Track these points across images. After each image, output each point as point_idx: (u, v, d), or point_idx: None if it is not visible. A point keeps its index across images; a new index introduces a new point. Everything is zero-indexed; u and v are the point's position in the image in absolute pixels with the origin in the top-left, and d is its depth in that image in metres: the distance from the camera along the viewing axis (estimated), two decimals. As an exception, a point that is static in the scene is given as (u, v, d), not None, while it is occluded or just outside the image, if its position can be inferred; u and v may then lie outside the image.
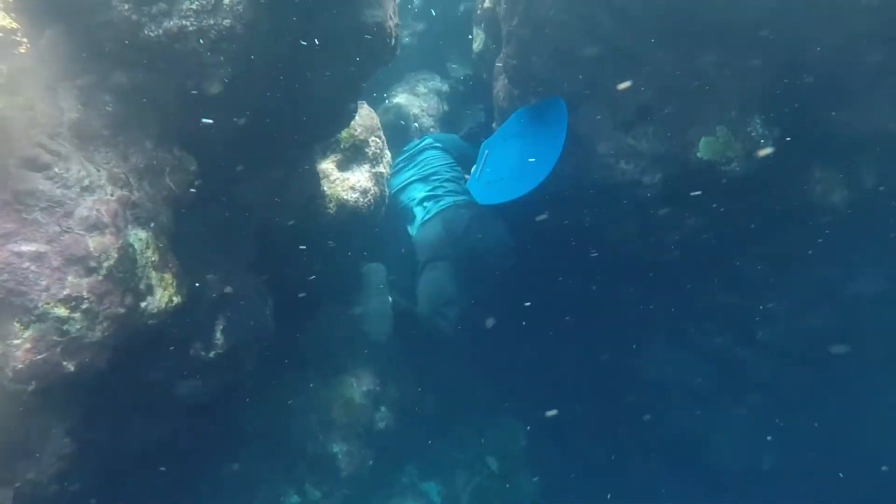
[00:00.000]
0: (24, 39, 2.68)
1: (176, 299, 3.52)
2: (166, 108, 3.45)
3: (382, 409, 7.67)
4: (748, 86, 4.69)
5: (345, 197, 5.98)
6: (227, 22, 3.10)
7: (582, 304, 7.75)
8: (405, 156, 7.21)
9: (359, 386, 7.48)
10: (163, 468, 4.89)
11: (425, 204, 6.79)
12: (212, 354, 4.44)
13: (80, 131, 3.22)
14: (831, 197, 5.30)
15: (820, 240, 5.73)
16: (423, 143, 7.17)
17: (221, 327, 4.49)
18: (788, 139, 4.94)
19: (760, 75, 4.68)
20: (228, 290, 4.56)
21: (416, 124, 7.67)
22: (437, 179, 6.90)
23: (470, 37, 7.07)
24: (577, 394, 8.45)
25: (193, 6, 3.03)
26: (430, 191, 6.83)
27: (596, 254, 6.36)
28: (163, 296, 3.44)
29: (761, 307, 6.86)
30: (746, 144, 4.91)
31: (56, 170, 3.04)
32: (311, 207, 5.23)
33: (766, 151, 4.88)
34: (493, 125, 6.61)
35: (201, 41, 3.07)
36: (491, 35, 6.14)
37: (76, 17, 3.13)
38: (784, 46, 4.32)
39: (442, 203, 6.64)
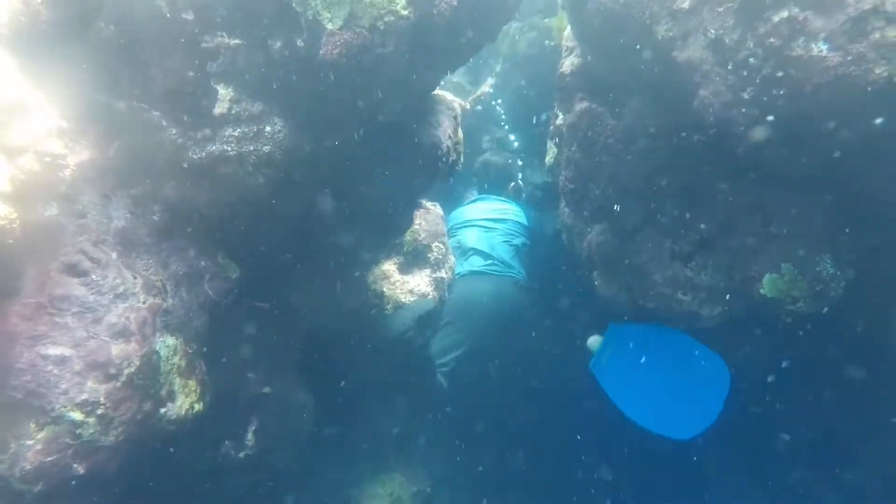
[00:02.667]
0: (71, 162, 2.81)
1: (197, 406, 3.50)
2: (211, 219, 3.53)
3: (431, 512, 7.37)
4: (816, 222, 4.34)
5: (402, 299, 5.93)
6: (266, 149, 3.17)
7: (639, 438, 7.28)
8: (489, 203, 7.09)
9: (409, 485, 7.25)
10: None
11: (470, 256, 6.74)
12: (241, 455, 4.38)
13: (124, 238, 3.32)
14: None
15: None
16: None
17: (254, 428, 4.44)
18: (864, 279, 4.52)
19: (831, 212, 4.32)
20: (267, 390, 4.54)
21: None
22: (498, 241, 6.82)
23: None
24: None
25: (235, 133, 3.12)
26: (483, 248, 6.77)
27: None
28: (184, 402, 3.43)
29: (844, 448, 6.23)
30: (815, 284, 4.51)
31: (94, 276, 3.13)
32: (362, 312, 5.19)
33: (838, 291, 4.47)
34: (563, 237, 6.46)
35: (241, 165, 3.14)
36: (561, 151, 6.07)
37: (135, 135, 3.29)
38: (854, 186, 3.98)
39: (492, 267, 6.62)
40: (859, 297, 4.60)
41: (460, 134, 4.95)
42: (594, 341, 5.39)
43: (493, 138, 8.22)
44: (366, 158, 3.87)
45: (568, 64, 5.27)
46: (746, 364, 5.56)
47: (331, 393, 5.57)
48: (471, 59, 4.35)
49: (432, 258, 6.22)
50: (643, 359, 5.30)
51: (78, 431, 3.00)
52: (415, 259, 6.15)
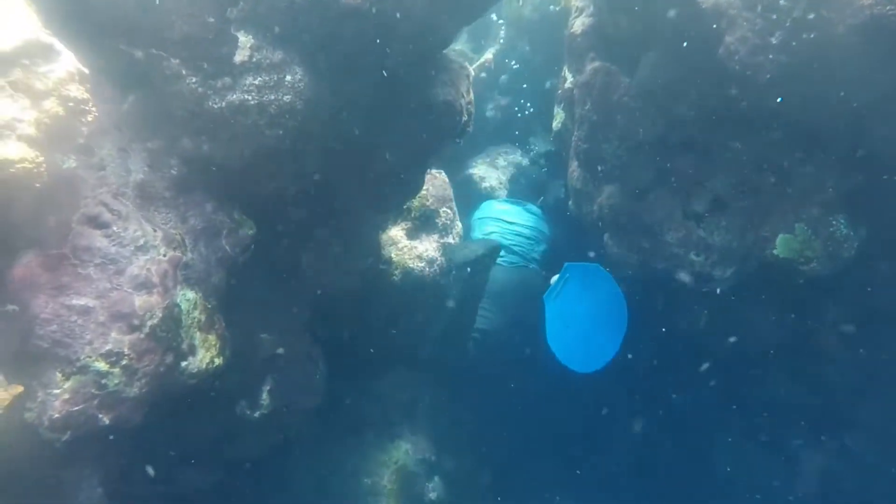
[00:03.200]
0: (94, 109, 2.77)
1: (218, 361, 3.49)
2: (228, 172, 3.50)
3: (436, 479, 7.42)
4: (831, 182, 4.34)
5: (411, 265, 5.92)
6: (287, 98, 3.14)
7: (652, 391, 7.38)
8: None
9: (414, 453, 7.30)
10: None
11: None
12: (257, 414, 4.39)
13: (143, 192, 3.30)
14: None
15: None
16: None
17: (269, 388, 4.45)
18: (878, 239, 4.54)
19: (847, 171, 4.33)
20: (280, 350, 4.54)
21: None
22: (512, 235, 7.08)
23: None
24: (641, 482, 7.96)
25: (256, 82, 3.08)
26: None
27: (666, 337, 6.09)
28: (204, 357, 3.42)
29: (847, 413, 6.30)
30: (829, 244, 4.52)
31: (115, 228, 3.10)
32: (370, 274, 5.17)
33: (851, 251, 4.49)
34: (570, 203, 6.45)
35: (262, 115, 3.11)
36: (570, 115, 6.03)
37: (152, 86, 3.24)
38: (871, 143, 3.98)
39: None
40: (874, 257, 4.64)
41: (472, 95, 4.91)
42: (553, 279, 5.80)
43: (498, 105, 8.17)
44: (382, 114, 3.84)
45: (579, 24, 5.23)
46: (751, 328, 5.62)
47: (341, 358, 5.58)
48: (479, 19, 4.32)
49: (440, 224, 6.19)
50: (576, 297, 5.68)
51: (103, 382, 3.00)
52: (423, 224, 6.12)
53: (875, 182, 4.28)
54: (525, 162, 8.09)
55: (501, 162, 7.94)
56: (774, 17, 3.03)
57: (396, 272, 5.88)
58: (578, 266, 5.59)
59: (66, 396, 2.93)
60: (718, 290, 4.79)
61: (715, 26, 3.28)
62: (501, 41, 8.07)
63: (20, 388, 2.66)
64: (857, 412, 6.24)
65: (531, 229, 7.34)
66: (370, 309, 5.68)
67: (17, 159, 2.37)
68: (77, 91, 2.65)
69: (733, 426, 7.35)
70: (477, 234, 7.27)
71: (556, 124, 6.61)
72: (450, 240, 6.36)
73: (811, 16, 2.92)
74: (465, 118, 4.76)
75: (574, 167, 5.58)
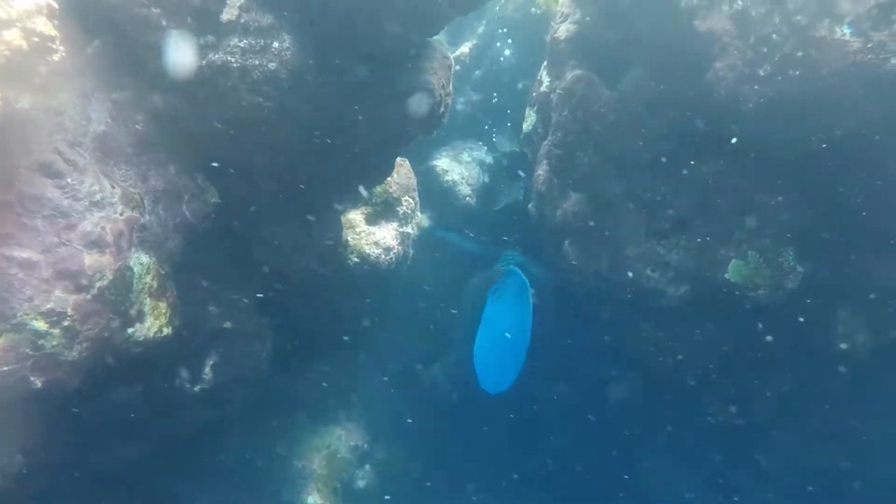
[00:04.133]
0: (61, 48, 2.55)
1: (166, 330, 3.30)
2: (198, 136, 3.30)
3: (366, 467, 7.33)
4: (787, 215, 4.44)
5: (367, 251, 5.78)
6: (272, 66, 2.97)
7: (586, 398, 7.49)
8: None
9: (346, 440, 7.19)
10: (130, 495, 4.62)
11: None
12: (197, 389, 4.19)
13: (103, 144, 3.07)
14: (853, 340, 5.00)
15: (836, 379, 5.42)
16: None
17: (213, 363, 4.26)
18: (818, 276, 4.69)
19: (801, 206, 4.43)
20: (227, 325, 4.34)
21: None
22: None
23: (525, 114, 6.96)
24: (566, 482, 8.09)
25: (241, 44, 2.90)
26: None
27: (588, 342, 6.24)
28: (153, 325, 3.22)
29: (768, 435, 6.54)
30: (776, 274, 4.64)
31: (69, 180, 2.87)
32: (328, 257, 5.02)
33: (795, 283, 4.63)
34: (530, 206, 6.42)
35: (243, 79, 2.93)
36: (542, 119, 6.00)
37: (125, 34, 3.02)
38: (828, 181, 4.08)
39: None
40: (813, 293, 4.78)
41: (451, 86, 4.80)
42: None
43: (469, 101, 8.08)
44: (363, 96, 3.69)
45: (563, 30, 5.18)
46: (692, 347, 5.73)
47: (284, 337, 5.41)
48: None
49: (401, 212, 6.08)
50: (504, 309, 5.90)
51: (40, 342, 2.77)
52: (384, 211, 5.99)
53: (826, 222, 4.40)
54: (489, 160, 8.03)
55: (466, 157, 7.86)
56: (765, 50, 3.05)
57: (352, 256, 5.73)
58: (516, 276, 5.73)
59: (-2, 354, 2.70)
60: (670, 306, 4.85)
61: (706, 51, 3.27)
62: (479, 36, 7.97)
63: (-50, 342, 2.42)
64: (775, 437, 6.48)
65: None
66: (323, 291, 5.52)
67: (-27, 93, 2.14)
68: (44, 26, 2.43)
69: (658, 441, 7.53)
70: None
71: (526, 126, 6.57)
72: (409, 229, 6.25)
73: (799, 53, 2.95)
74: (442, 109, 4.65)
75: (541, 171, 5.54)
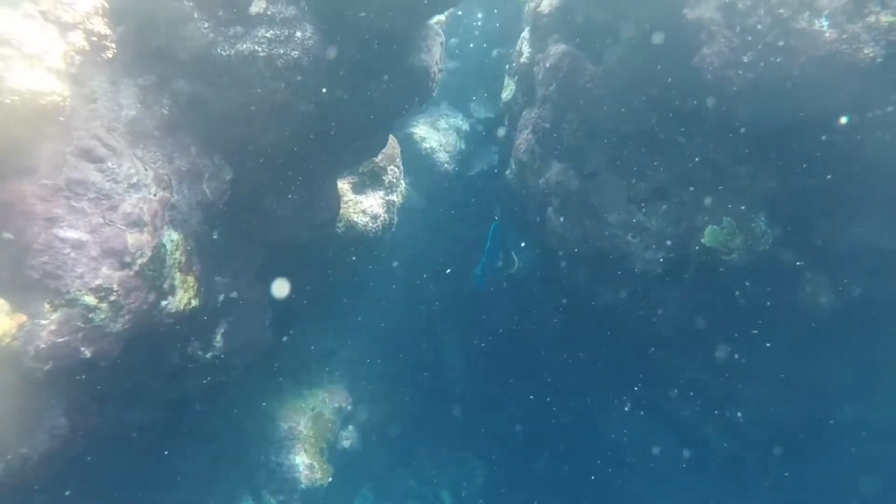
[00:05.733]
0: (112, 45, 2.82)
1: (194, 302, 3.65)
2: (217, 118, 3.61)
3: (350, 427, 7.79)
4: (760, 184, 4.96)
5: (355, 219, 6.14)
6: (294, 54, 3.29)
7: (560, 356, 8.03)
8: None
9: (330, 402, 7.62)
10: (130, 457, 4.96)
11: None
12: (209, 356, 4.54)
13: (134, 129, 3.36)
14: (818, 299, 5.57)
15: (801, 336, 6.03)
16: None
17: (223, 331, 4.61)
18: (787, 240, 5.23)
19: (773, 176, 4.95)
20: (234, 294, 4.68)
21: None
22: None
23: (504, 82, 7.31)
24: (538, 439, 8.71)
25: (268, 34, 3.21)
26: None
27: (568, 304, 6.91)
28: (182, 297, 3.57)
29: (732, 388, 7.13)
30: (749, 239, 5.17)
31: (109, 164, 3.17)
32: (324, 227, 5.37)
33: (766, 246, 5.17)
34: (507, 173, 6.84)
35: (268, 67, 3.24)
36: (521, 89, 6.38)
37: (153, 22, 3.28)
38: (799, 154, 4.59)
39: None
40: (782, 256, 5.33)
41: (443, 61, 5.14)
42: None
43: (444, 68, 8.39)
44: (365, 75, 4.03)
45: (546, 4, 5.54)
46: (666, 308, 6.27)
47: (278, 304, 5.75)
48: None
49: (387, 181, 6.42)
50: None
51: (90, 315, 3.10)
52: (370, 180, 6.33)
53: (795, 191, 4.93)
54: (465, 126, 8.39)
55: (443, 124, 8.21)
56: (750, 38, 3.49)
57: (340, 224, 6.08)
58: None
59: (53, 328, 3.02)
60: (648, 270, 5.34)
61: (694, 37, 3.70)
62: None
63: (24, 318, 2.75)
64: (742, 390, 7.08)
65: None
66: (312, 257, 5.87)
67: (47, 92, 2.43)
68: (100, 25, 2.70)
69: (627, 397, 8.14)
70: None
71: (506, 95, 6.95)
72: (394, 197, 6.61)
73: (781, 43, 3.40)
74: (433, 84, 5.00)
75: (523, 139, 5.95)
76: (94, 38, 2.68)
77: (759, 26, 3.44)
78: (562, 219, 5.57)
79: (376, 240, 6.43)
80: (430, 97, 5.22)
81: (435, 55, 4.77)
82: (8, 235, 2.89)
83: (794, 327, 5.98)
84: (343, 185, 6.20)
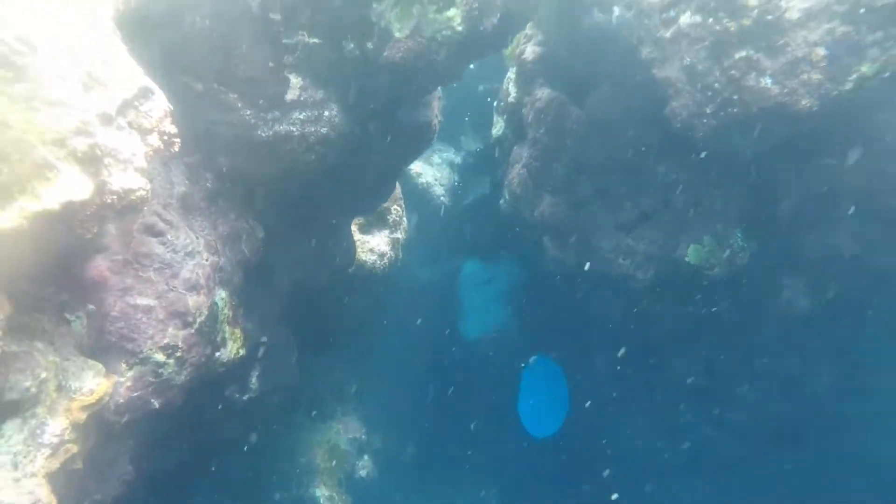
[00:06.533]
0: (178, 140, 3.34)
1: (242, 351, 4.17)
2: (252, 186, 4.15)
3: (365, 457, 8.24)
4: (733, 204, 5.58)
5: (363, 258, 6.68)
6: (324, 130, 3.84)
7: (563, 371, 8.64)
8: None
9: (345, 433, 8.08)
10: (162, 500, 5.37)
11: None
12: (245, 398, 5.04)
13: (185, 203, 3.89)
14: (796, 303, 6.17)
15: (785, 337, 6.63)
16: None
17: (257, 373, 5.11)
18: (762, 252, 5.85)
19: (745, 197, 5.57)
20: (264, 339, 5.19)
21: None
22: None
23: (493, 119, 7.89)
24: (548, 452, 9.19)
25: (301, 116, 3.76)
26: None
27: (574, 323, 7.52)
28: (232, 348, 4.08)
29: (732, 391, 7.68)
30: (728, 253, 5.78)
31: (168, 236, 3.70)
32: (339, 271, 5.90)
33: (744, 260, 5.78)
34: (501, 202, 7.41)
35: (301, 143, 3.80)
36: (511, 126, 6.98)
37: (195, 109, 3.83)
38: (768, 177, 5.22)
39: None
40: (760, 266, 5.94)
41: (441, 115, 5.72)
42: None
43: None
44: (378, 136, 4.59)
45: (530, 51, 6.16)
46: (658, 320, 6.84)
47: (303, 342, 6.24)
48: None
49: (391, 220, 6.98)
50: (538, 380, 8.12)
51: (160, 371, 3.61)
52: (376, 221, 6.89)
53: (765, 208, 5.55)
54: (458, 160, 8.97)
55: (436, 159, 8.79)
56: (710, 94, 4.12)
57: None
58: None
59: (129, 384, 3.53)
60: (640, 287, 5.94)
61: (663, 92, 4.34)
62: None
63: (115, 378, 3.25)
64: (737, 392, 7.63)
65: None
66: (327, 298, 6.39)
67: (136, 188, 2.95)
68: (170, 126, 3.22)
69: (630, 401, 8.65)
70: None
71: (495, 131, 7.55)
72: (398, 235, 7.17)
73: (735, 97, 4.03)
74: (434, 134, 5.59)
75: (516, 174, 6.54)
76: (166, 138, 3.20)
77: (716, 84, 4.07)
78: (557, 246, 6.14)
79: (383, 277, 6.97)
80: (430, 145, 5.80)
81: (434, 109, 5.35)
82: (91, 307, 3.40)
83: (779, 329, 6.56)
84: (351, 227, 6.75)
